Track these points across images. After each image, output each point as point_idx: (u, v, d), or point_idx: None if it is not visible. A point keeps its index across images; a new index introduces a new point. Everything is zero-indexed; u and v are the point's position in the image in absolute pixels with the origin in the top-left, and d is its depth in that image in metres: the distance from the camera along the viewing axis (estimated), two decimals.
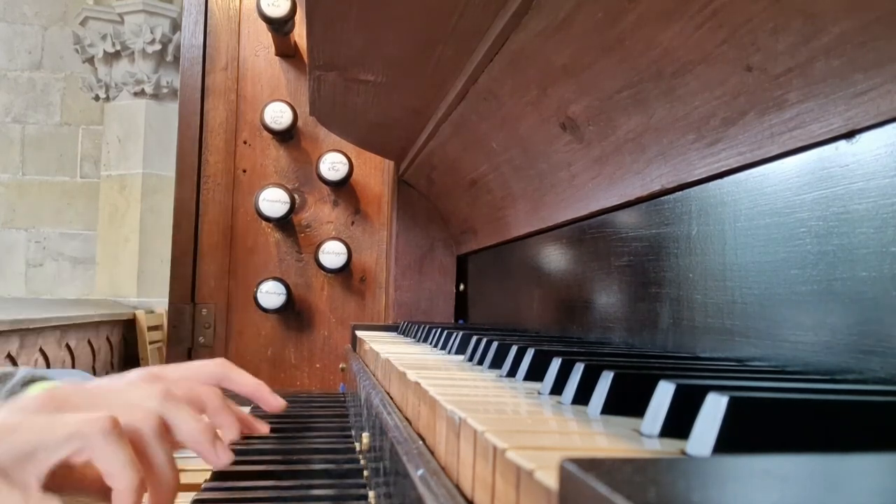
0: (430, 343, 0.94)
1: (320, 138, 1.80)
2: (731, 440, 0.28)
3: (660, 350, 0.69)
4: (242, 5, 1.82)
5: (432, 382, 0.51)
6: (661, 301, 0.71)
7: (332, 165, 1.72)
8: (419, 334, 1.07)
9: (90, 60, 4.57)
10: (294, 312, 1.79)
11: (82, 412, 0.56)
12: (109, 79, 4.48)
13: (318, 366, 1.80)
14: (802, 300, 0.51)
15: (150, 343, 3.89)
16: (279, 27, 1.68)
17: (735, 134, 0.57)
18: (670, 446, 0.32)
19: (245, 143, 1.81)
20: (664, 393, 0.34)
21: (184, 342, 1.76)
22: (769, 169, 0.55)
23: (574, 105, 0.79)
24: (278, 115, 1.73)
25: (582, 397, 0.43)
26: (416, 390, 0.52)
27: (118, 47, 4.42)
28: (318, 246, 1.72)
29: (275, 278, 1.72)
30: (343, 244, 1.72)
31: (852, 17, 0.43)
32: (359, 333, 1.23)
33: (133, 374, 0.69)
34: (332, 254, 1.71)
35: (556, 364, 0.49)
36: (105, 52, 4.44)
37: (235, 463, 0.68)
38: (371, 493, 0.69)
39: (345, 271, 1.75)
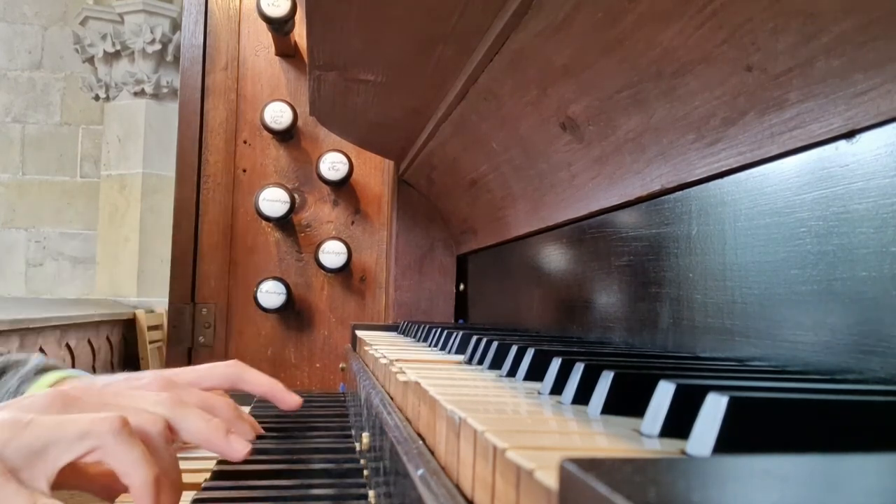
0: (430, 343, 0.94)
1: (320, 138, 1.80)
2: (731, 440, 0.29)
3: (660, 350, 0.69)
4: (242, 5, 1.82)
5: (432, 382, 0.51)
6: (661, 301, 0.71)
7: (332, 165, 1.72)
8: (419, 334, 1.07)
9: (90, 60, 4.57)
10: (294, 312, 1.79)
11: (91, 413, 0.56)
12: (109, 79, 4.48)
13: (318, 365, 1.80)
14: (802, 300, 0.51)
15: (150, 343, 3.90)
16: (279, 27, 1.68)
17: (735, 134, 0.57)
18: (670, 446, 0.32)
19: (245, 142, 1.81)
20: (664, 393, 0.34)
21: (184, 342, 1.76)
22: (769, 169, 0.55)
23: (574, 105, 0.79)
24: (278, 114, 1.73)
25: (582, 397, 0.43)
26: (416, 390, 0.52)
27: (118, 47, 4.42)
28: (318, 246, 1.72)
29: (275, 278, 1.72)
30: (343, 244, 1.72)
31: (852, 17, 0.43)
32: (359, 333, 1.23)
33: (147, 377, 0.69)
34: (332, 253, 1.71)
35: (556, 364, 0.49)
36: (105, 51, 4.44)
37: (235, 462, 0.68)
38: (371, 493, 0.69)
39: (345, 271, 1.75)
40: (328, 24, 0.93)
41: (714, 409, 0.29)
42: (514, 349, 0.61)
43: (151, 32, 4.38)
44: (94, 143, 4.90)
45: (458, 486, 0.38)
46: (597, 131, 0.78)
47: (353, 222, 1.81)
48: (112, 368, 3.67)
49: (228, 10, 1.81)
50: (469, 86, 0.99)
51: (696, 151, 0.63)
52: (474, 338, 0.72)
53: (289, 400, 0.81)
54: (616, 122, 0.73)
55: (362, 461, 0.78)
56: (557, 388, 0.47)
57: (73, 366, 3.23)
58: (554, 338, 0.90)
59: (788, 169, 0.53)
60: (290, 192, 1.72)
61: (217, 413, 0.71)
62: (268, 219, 1.71)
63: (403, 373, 0.60)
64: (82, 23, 4.51)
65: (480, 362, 0.67)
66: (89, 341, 3.48)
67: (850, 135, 0.46)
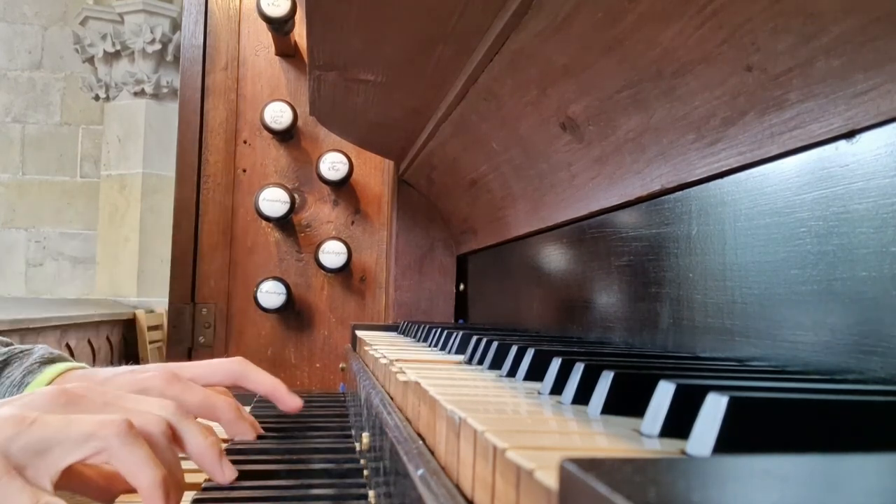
0: (430, 343, 0.94)
1: (320, 138, 1.80)
2: (731, 440, 0.29)
3: (660, 350, 0.69)
4: (242, 5, 1.82)
5: (432, 382, 0.51)
6: (661, 301, 0.71)
7: (332, 165, 1.72)
8: (419, 334, 1.07)
9: (90, 60, 4.57)
10: (294, 312, 1.79)
11: (94, 413, 0.56)
12: (109, 78, 4.48)
13: (318, 365, 1.80)
14: (802, 300, 0.51)
15: (150, 343, 3.90)
16: (279, 27, 1.68)
17: (735, 134, 0.57)
18: (670, 446, 0.32)
19: (245, 142, 1.81)
20: (664, 393, 0.34)
21: (184, 342, 1.76)
22: (769, 169, 0.55)
23: (574, 105, 0.79)
24: (278, 114, 1.73)
25: (582, 397, 0.43)
26: (416, 390, 0.52)
27: (118, 47, 4.42)
28: (318, 246, 1.72)
29: (275, 278, 1.72)
30: (343, 244, 1.72)
31: (852, 17, 0.43)
32: (359, 333, 1.23)
33: (151, 369, 0.70)
34: (332, 253, 1.71)
35: (556, 364, 0.49)
36: (105, 51, 4.44)
37: (235, 463, 0.68)
38: (371, 493, 0.69)
39: (345, 271, 1.75)
40: (328, 24, 0.93)
41: (714, 409, 0.29)
42: (514, 349, 0.61)
43: (151, 32, 4.38)
44: (94, 143, 4.90)
45: (458, 486, 0.38)
46: (597, 131, 0.78)
47: (353, 222, 1.81)
48: None
49: (228, 10, 1.81)
50: (469, 86, 0.99)
51: (696, 151, 0.63)
52: (474, 338, 0.72)
53: (290, 402, 0.81)
54: (616, 122, 0.73)
55: (362, 461, 0.78)
56: (557, 388, 0.47)
57: None
58: (554, 338, 0.90)
59: (788, 169, 0.53)
60: (290, 192, 1.72)
61: (218, 412, 0.71)
62: (268, 219, 1.71)
63: (403, 373, 0.60)
64: (82, 23, 4.51)
65: (480, 362, 0.67)
66: (89, 341, 3.48)
67: (850, 135, 0.46)
